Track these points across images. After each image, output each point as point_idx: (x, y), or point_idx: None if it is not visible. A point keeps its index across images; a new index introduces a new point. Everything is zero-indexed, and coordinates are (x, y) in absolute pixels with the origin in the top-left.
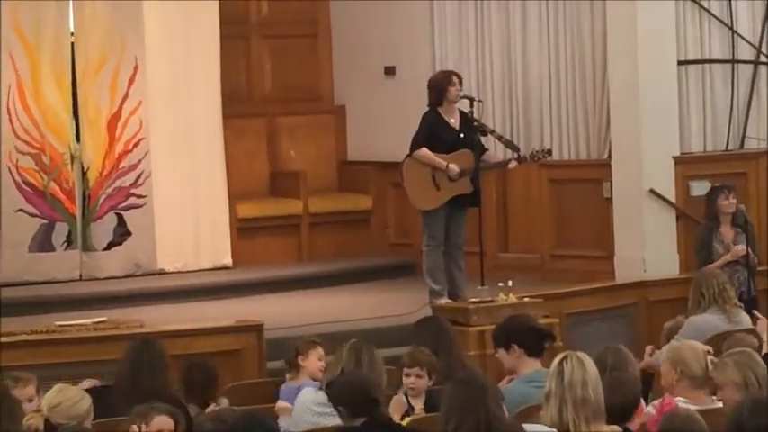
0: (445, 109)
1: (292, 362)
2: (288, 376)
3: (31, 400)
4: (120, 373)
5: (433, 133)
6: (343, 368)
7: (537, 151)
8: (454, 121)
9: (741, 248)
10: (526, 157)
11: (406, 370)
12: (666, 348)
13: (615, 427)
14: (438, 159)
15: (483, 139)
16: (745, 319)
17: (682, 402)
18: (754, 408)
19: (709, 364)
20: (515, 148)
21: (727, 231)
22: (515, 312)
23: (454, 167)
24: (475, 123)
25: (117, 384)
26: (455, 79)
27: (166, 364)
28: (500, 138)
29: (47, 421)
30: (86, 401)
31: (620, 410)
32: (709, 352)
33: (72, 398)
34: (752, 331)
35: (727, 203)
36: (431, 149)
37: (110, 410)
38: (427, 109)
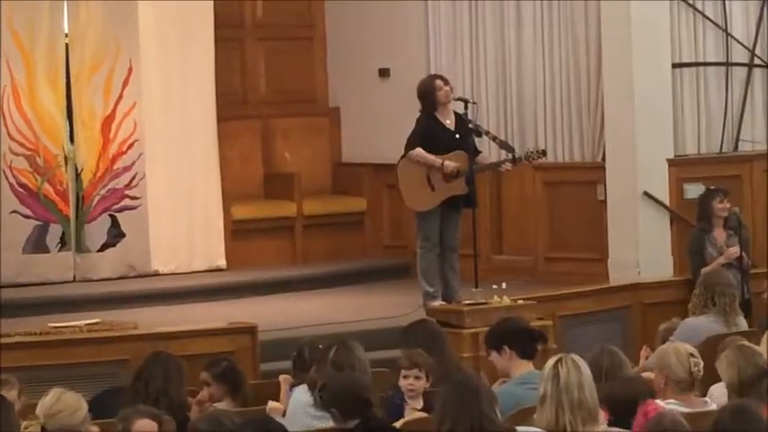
0: (440, 111)
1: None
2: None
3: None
4: (132, 382)
5: (429, 134)
6: (332, 370)
7: (531, 152)
8: (450, 122)
9: (734, 251)
10: (521, 158)
11: (404, 372)
12: (657, 351)
13: (612, 429)
14: (433, 157)
15: (477, 140)
16: (742, 323)
17: (673, 405)
18: (734, 413)
19: (693, 366)
20: (510, 149)
21: (719, 234)
22: (509, 315)
23: (449, 164)
24: (470, 125)
25: (131, 393)
26: (439, 82)
27: (182, 377)
28: (495, 138)
29: (43, 429)
30: (84, 409)
31: (624, 405)
32: (693, 354)
33: (71, 406)
34: (747, 334)
35: (722, 207)
36: (427, 150)
37: (109, 412)
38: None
